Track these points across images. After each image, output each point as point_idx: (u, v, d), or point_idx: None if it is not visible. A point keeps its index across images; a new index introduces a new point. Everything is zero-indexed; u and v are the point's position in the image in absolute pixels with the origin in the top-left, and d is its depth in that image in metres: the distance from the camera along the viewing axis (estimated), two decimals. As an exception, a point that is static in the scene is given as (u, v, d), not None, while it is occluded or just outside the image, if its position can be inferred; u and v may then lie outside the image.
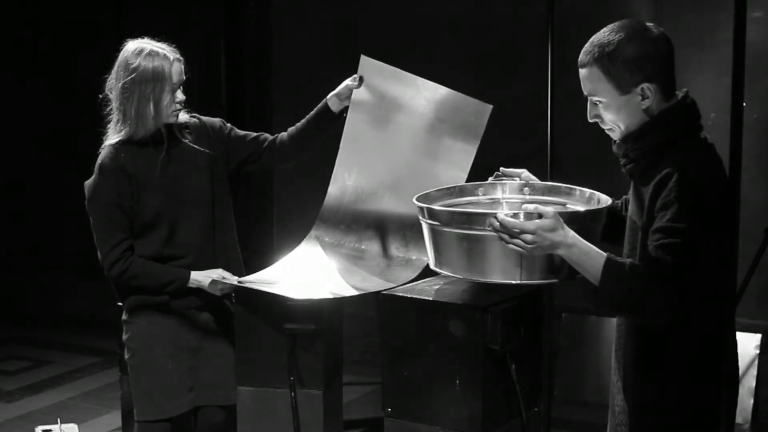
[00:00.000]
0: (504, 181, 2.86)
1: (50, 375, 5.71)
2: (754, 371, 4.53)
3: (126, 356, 3.31)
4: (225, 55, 5.83)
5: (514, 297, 2.71)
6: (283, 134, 3.39)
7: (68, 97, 6.29)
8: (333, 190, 3.38)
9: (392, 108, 3.26)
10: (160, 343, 3.24)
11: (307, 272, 3.27)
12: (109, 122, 3.21)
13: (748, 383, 4.50)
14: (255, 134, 3.40)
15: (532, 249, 2.28)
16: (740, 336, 4.26)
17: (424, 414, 2.79)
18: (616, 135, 2.36)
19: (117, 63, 3.16)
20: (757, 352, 4.56)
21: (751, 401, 4.50)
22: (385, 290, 2.87)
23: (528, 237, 2.26)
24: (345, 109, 3.29)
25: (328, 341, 3.12)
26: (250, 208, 5.51)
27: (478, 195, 2.89)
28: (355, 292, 3.10)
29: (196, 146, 3.25)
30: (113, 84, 3.16)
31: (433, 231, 2.57)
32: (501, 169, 2.88)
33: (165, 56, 3.13)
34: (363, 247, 3.34)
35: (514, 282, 2.45)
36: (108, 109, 3.20)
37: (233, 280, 3.18)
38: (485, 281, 2.49)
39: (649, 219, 2.25)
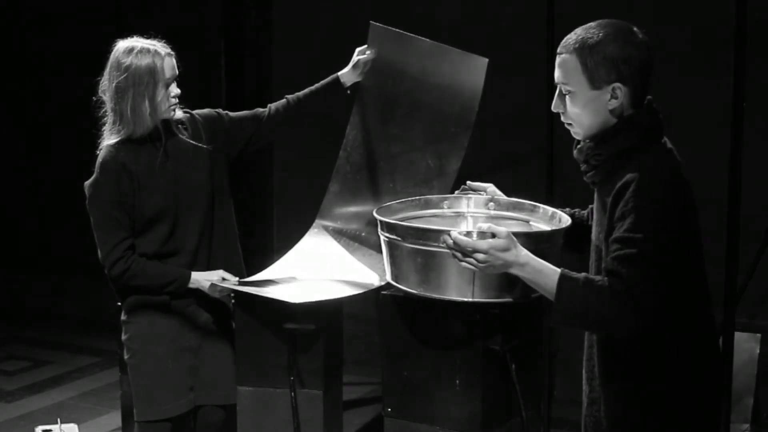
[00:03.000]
0: (470, 195, 2.88)
1: (50, 375, 5.71)
2: (754, 371, 4.52)
3: (126, 356, 3.31)
4: (225, 55, 5.83)
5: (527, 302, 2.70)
6: (280, 103, 3.40)
7: (69, 97, 6.28)
8: (334, 183, 3.40)
9: (399, 82, 3.30)
10: (160, 343, 3.24)
11: (308, 268, 3.28)
12: (104, 124, 3.20)
13: (748, 383, 4.49)
14: (251, 113, 3.41)
15: (485, 268, 2.28)
16: (740, 336, 4.27)
17: (424, 414, 2.79)
18: (575, 131, 2.34)
19: (109, 64, 3.16)
20: (757, 352, 4.55)
21: (751, 401, 4.49)
22: (385, 291, 2.87)
23: (480, 256, 2.26)
24: (353, 85, 3.32)
25: (328, 341, 3.12)
26: (250, 208, 5.50)
27: (443, 208, 2.91)
28: (352, 292, 3.09)
29: (194, 142, 3.25)
30: (107, 85, 3.16)
31: (390, 244, 2.59)
32: (468, 182, 2.90)
33: (156, 52, 3.13)
34: (364, 234, 3.37)
35: (466, 300, 2.47)
36: (102, 111, 3.20)
37: (233, 281, 3.18)
38: (438, 297, 2.51)
39: (610, 229, 2.23)
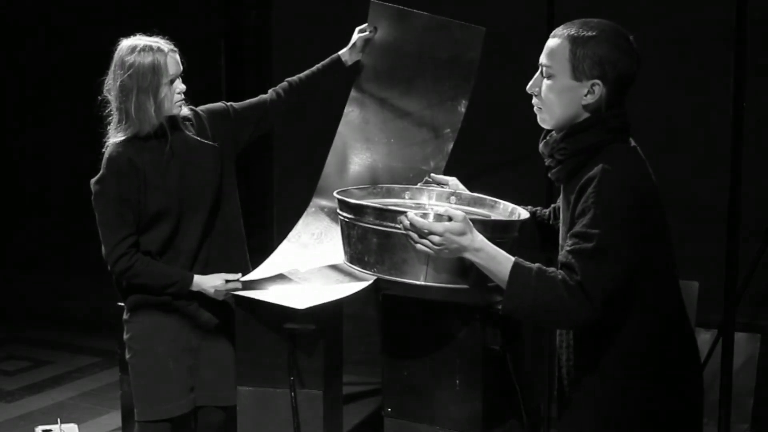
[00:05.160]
0: (432, 188, 2.88)
1: (50, 375, 5.71)
2: (754, 371, 4.52)
3: (127, 356, 3.31)
4: (225, 55, 5.83)
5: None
6: (282, 87, 3.43)
7: (71, 96, 6.29)
8: (331, 161, 3.42)
9: (398, 57, 3.33)
10: (162, 343, 3.24)
11: (307, 258, 3.28)
12: (109, 123, 3.21)
13: (748, 383, 4.49)
14: (255, 101, 3.43)
15: (439, 250, 2.28)
16: (740, 336, 4.27)
17: (424, 414, 2.79)
18: (542, 117, 2.35)
19: (113, 63, 3.16)
20: (757, 352, 4.55)
21: (751, 401, 4.49)
22: (385, 291, 2.87)
23: (435, 238, 2.26)
24: (354, 64, 3.36)
25: (328, 341, 3.12)
26: (250, 208, 5.50)
27: (404, 198, 2.92)
28: (352, 290, 3.08)
29: (201, 139, 3.25)
30: (111, 84, 3.16)
31: (347, 224, 2.58)
32: (431, 175, 2.91)
33: (159, 49, 3.13)
34: None
35: (418, 283, 2.45)
36: (107, 110, 3.21)
37: (236, 283, 3.17)
38: (391, 279, 2.49)
39: (572, 225, 2.24)
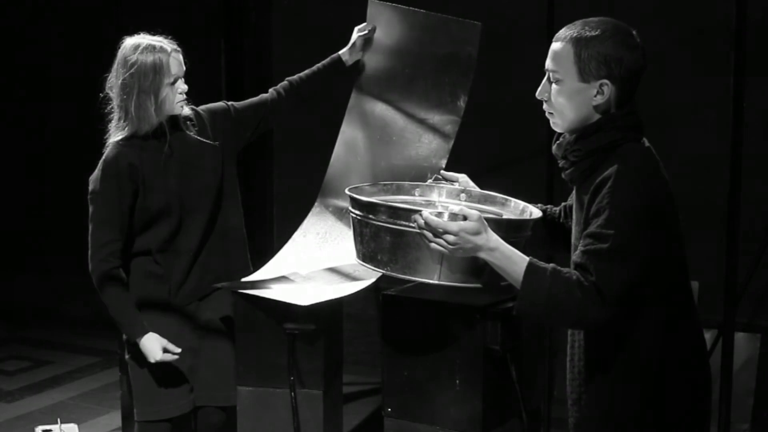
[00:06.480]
0: (442, 185, 2.88)
1: (50, 375, 5.71)
2: (754, 371, 4.52)
3: (127, 356, 3.31)
4: (225, 54, 5.83)
5: (515, 297, 2.71)
6: (283, 86, 3.44)
7: (72, 95, 6.29)
8: (335, 160, 3.42)
9: (397, 56, 3.35)
10: (161, 343, 3.24)
11: (310, 260, 3.27)
12: (110, 121, 3.21)
13: (748, 383, 4.50)
14: (257, 100, 3.44)
15: (454, 250, 2.27)
16: (740, 336, 4.27)
17: (424, 414, 2.79)
18: (554, 121, 2.34)
19: (116, 61, 3.17)
20: (757, 352, 4.55)
21: (751, 401, 4.49)
22: (385, 291, 2.86)
23: (450, 238, 2.26)
24: (354, 63, 3.38)
25: (328, 341, 3.12)
26: (250, 208, 5.50)
27: (414, 195, 2.91)
28: (354, 289, 3.08)
29: (201, 138, 3.25)
30: (113, 82, 3.17)
31: (359, 222, 2.57)
32: (441, 172, 2.90)
33: (162, 49, 3.14)
34: None
35: (432, 281, 2.44)
36: (109, 108, 3.21)
37: (174, 355, 3.17)
38: (404, 278, 2.48)
39: (586, 225, 2.24)
